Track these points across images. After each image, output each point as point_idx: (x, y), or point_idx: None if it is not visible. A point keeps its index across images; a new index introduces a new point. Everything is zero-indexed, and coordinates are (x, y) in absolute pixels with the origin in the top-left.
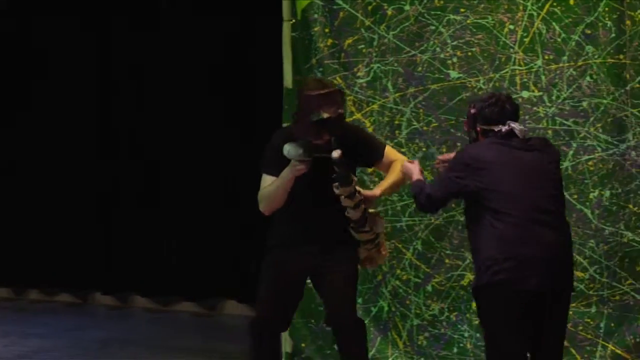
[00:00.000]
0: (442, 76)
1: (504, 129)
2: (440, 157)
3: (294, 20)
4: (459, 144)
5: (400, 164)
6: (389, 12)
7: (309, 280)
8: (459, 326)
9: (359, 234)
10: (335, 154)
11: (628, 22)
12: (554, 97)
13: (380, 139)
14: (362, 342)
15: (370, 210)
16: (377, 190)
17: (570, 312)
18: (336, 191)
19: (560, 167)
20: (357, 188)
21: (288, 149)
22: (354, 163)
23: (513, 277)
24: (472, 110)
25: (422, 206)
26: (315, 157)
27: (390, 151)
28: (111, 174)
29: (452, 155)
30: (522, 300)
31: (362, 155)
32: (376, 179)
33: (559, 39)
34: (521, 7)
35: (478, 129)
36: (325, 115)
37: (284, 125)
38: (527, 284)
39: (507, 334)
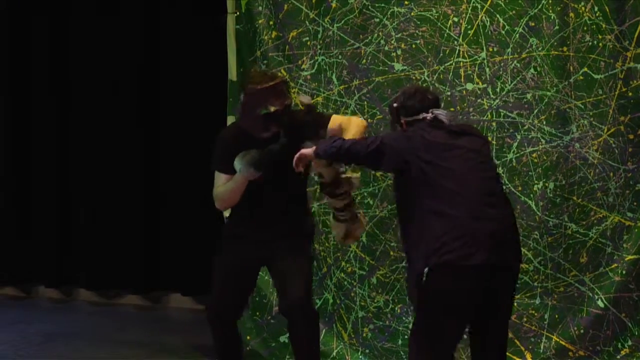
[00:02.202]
0: (386, 68)
1: (428, 116)
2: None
3: (238, 13)
4: None
5: (355, 120)
6: (334, 5)
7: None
8: (404, 318)
9: (335, 199)
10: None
11: (572, 14)
12: (498, 90)
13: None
14: (311, 328)
15: (343, 176)
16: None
17: (515, 304)
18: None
19: (505, 159)
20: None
21: (239, 168)
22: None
23: (460, 254)
24: (395, 104)
25: (344, 151)
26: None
27: (337, 117)
28: (57, 165)
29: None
30: (469, 280)
31: (309, 131)
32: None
33: (502, 31)
34: (465, 0)
35: (402, 121)
36: (273, 109)
37: (229, 117)
38: (474, 259)
39: (446, 326)
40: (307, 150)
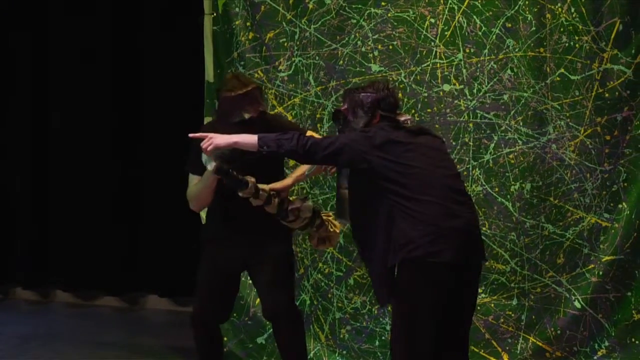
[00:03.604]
0: (363, 69)
1: (403, 118)
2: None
3: (215, 14)
4: None
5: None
6: (310, 6)
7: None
8: (381, 319)
9: (288, 224)
10: (210, 167)
11: (548, 15)
12: (475, 91)
13: (302, 126)
14: (298, 332)
15: (292, 198)
16: (288, 180)
17: (492, 305)
18: (240, 194)
19: (482, 160)
20: (261, 186)
21: (205, 160)
22: (276, 162)
23: (429, 251)
24: (375, 96)
25: (292, 150)
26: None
27: (312, 134)
28: (34, 166)
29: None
30: (437, 277)
31: (277, 158)
32: None
33: (479, 33)
34: (442, 1)
35: (377, 113)
36: (247, 116)
37: (206, 118)
38: (443, 256)
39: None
40: (222, 139)
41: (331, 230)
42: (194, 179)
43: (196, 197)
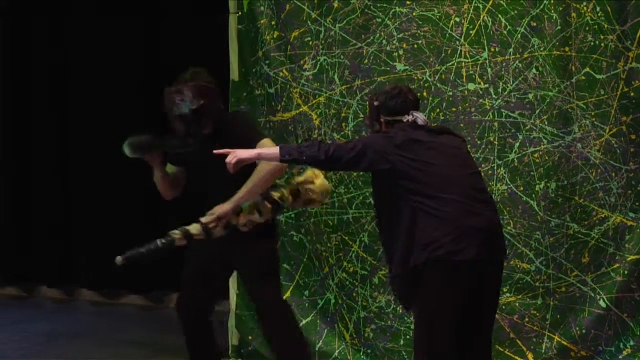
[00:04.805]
0: (388, 68)
1: (410, 119)
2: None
3: (240, 13)
4: None
5: (266, 163)
6: (335, 5)
7: None
8: (406, 318)
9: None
10: (117, 262)
11: (574, 14)
12: (499, 90)
13: (258, 134)
14: (284, 329)
15: (246, 205)
16: (226, 206)
17: (516, 304)
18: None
19: (507, 159)
20: (196, 226)
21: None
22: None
23: (451, 250)
24: (375, 103)
25: (318, 160)
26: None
27: (268, 143)
28: (59, 164)
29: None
30: (460, 276)
31: (235, 139)
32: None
33: (504, 32)
34: (467, 0)
35: (382, 120)
36: (186, 110)
37: None
38: (465, 254)
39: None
40: (256, 155)
41: (311, 191)
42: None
43: (159, 188)
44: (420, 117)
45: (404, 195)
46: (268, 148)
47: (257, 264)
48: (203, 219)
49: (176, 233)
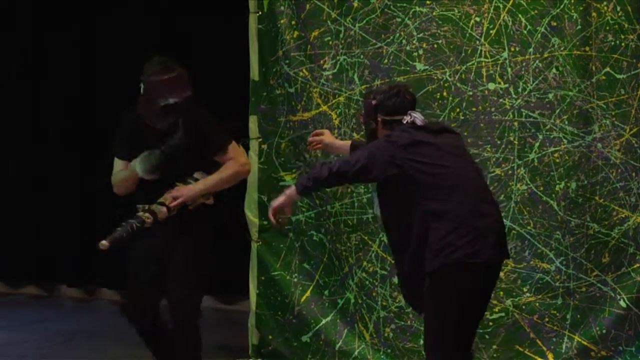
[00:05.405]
0: (408, 68)
1: (408, 119)
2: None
3: (260, 13)
4: None
5: (235, 164)
6: (355, 4)
7: None
8: None
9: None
10: (103, 246)
11: (594, 14)
12: (520, 89)
13: (225, 134)
14: (186, 338)
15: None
16: (193, 190)
17: (537, 304)
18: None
19: (527, 158)
20: (162, 209)
21: (136, 166)
22: (198, 152)
23: (467, 252)
24: (373, 102)
25: (322, 178)
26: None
27: (232, 149)
28: (82, 164)
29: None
30: (478, 277)
31: (199, 148)
32: None
33: (525, 31)
34: (487, 0)
35: (379, 119)
36: (172, 101)
37: (251, 117)
38: (481, 256)
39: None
40: (285, 199)
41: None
42: (118, 164)
43: (120, 184)
44: (418, 117)
45: (414, 201)
46: (290, 190)
47: (190, 263)
48: (168, 202)
49: (146, 215)
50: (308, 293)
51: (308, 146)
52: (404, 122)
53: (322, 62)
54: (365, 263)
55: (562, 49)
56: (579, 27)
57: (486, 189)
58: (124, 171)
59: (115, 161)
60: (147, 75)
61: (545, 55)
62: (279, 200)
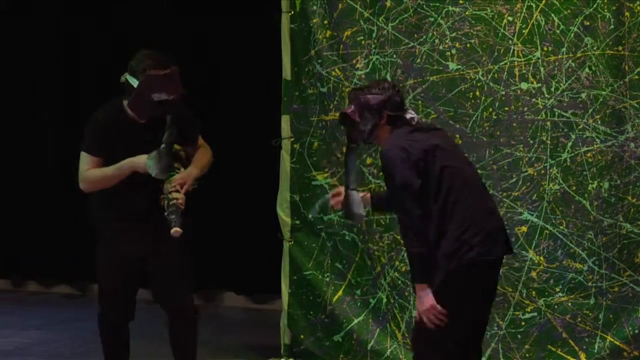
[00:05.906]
0: (440, 68)
1: (410, 116)
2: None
3: (292, 12)
4: (457, 136)
5: (207, 150)
6: (388, 4)
7: None
8: None
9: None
10: (177, 233)
11: (627, 13)
12: (552, 89)
13: (197, 123)
14: (193, 331)
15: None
16: (194, 172)
17: (569, 304)
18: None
19: (559, 158)
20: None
21: (150, 167)
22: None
23: (481, 251)
24: (381, 97)
25: (416, 247)
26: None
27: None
28: None
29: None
30: (492, 274)
31: (181, 139)
32: (375, 171)
33: (557, 31)
34: None
35: (384, 114)
36: (167, 97)
37: (283, 116)
38: (494, 253)
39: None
40: (425, 299)
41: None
42: (90, 160)
43: (98, 182)
44: (416, 116)
45: (424, 201)
46: (421, 292)
47: (182, 259)
48: (181, 190)
49: (179, 202)
50: (340, 292)
51: (330, 209)
52: (409, 118)
53: (354, 61)
54: (397, 262)
55: (594, 48)
56: (612, 26)
57: (484, 185)
58: (109, 168)
59: (86, 157)
60: (140, 68)
61: (578, 54)
62: (424, 304)
